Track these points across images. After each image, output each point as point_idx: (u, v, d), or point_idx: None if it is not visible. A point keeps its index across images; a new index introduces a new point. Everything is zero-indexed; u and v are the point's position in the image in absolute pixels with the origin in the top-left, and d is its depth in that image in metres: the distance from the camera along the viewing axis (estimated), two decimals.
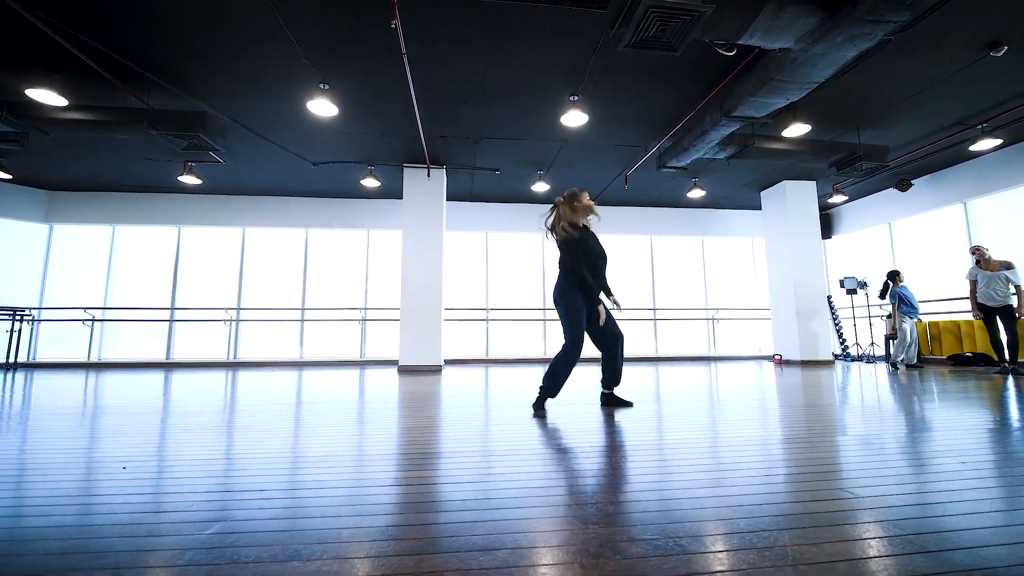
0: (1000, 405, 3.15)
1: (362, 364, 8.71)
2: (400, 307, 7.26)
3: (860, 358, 8.51)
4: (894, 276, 6.96)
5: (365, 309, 9.20)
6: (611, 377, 3.18)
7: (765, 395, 3.79)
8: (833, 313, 9.30)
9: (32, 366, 8.22)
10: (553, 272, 9.80)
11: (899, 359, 6.68)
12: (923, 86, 5.25)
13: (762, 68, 4.36)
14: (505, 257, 9.74)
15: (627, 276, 9.96)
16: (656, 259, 10.14)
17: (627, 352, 9.47)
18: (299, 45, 4.44)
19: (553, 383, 2.96)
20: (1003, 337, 5.85)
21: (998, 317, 5.83)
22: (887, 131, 6.38)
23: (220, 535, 1.08)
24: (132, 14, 4.07)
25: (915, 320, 6.88)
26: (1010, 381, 4.77)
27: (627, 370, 6.92)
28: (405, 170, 7.45)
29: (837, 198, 8.64)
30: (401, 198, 9.10)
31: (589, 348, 3.10)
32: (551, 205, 3.11)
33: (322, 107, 5.06)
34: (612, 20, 3.59)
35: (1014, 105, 5.64)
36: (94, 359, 8.67)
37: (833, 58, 3.95)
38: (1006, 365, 5.71)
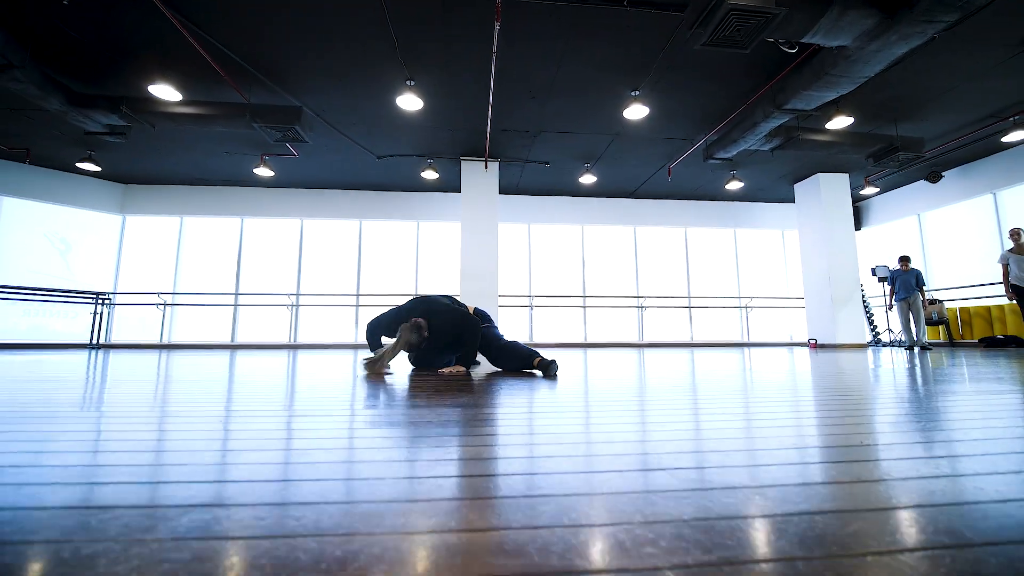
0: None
1: None
2: (459, 295, 7.77)
3: (891, 343, 8.87)
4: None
5: (416, 295, 9.71)
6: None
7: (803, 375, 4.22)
8: (864, 301, 9.67)
9: (109, 346, 8.83)
10: (594, 261, 10.28)
11: (921, 338, 7.21)
12: (961, 80, 5.66)
13: (817, 64, 4.81)
14: (546, 247, 10.24)
15: (662, 267, 10.41)
16: (691, 250, 10.58)
17: (658, 337, 9.95)
18: (398, 45, 4.96)
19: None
20: None
21: None
22: (923, 123, 6.78)
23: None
24: (240, 10, 4.55)
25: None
26: None
27: (660, 353, 7.34)
28: (463, 163, 7.96)
29: (869, 190, 9.02)
30: (450, 191, 9.67)
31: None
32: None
33: (410, 102, 5.59)
34: (691, 21, 4.05)
35: None
36: (165, 341, 9.28)
37: (885, 55, 4.39)
38: None
